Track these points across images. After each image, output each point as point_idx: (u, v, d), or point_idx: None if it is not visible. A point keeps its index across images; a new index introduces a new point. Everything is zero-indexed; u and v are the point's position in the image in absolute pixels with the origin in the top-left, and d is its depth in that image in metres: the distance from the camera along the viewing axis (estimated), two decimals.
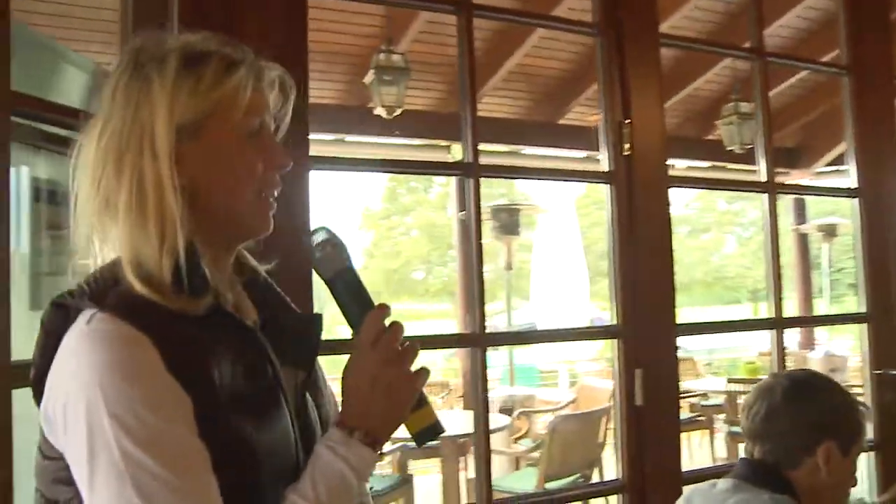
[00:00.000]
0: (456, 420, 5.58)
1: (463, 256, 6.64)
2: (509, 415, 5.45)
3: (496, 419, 5.26)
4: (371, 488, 3.86)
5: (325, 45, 5.66)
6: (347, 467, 0.90)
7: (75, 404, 0.82)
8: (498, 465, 5.33)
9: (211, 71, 0.93)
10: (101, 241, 0.93)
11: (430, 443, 0.98)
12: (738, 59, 4.16)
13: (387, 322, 0.95)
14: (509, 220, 5.75)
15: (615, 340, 2.43)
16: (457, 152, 6.58)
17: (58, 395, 0.85)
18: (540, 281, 8.51)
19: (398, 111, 4.55)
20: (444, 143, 6.65)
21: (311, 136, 6.72)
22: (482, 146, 6.82)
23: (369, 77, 4.55)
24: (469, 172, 2.30)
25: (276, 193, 0.99)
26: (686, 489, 1.67)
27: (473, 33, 2.33)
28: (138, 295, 0.87)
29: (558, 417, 4.33)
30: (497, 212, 5.83)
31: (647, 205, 2.46)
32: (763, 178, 2.77)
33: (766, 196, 2.76)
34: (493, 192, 19.36)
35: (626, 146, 2.44)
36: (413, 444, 0.99)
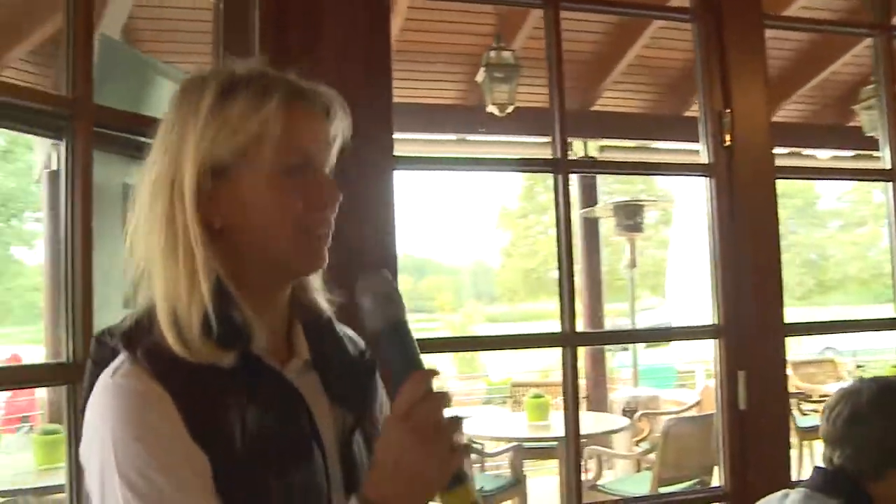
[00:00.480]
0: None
1: (584, 254, 6.54)
2: (631, 416, 5.32)
3: (615, 421, 5.15)
4: (481, 488, 3.87)
5: (444, 46, 5.73)
6: None
7: (92, 457, 0.84)
8: (620, 467, 5.22)
9: (239, 108, 0.89)
10: (147, 278, 0.92)
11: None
12: (861, 36, 3.87)
13: (433, 387, 0.84)
14: (632, 217, 5.60)
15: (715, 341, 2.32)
16: (578, 149, 6.49)
17: (84, 439, 0.88)
18: (675, 278, 8.24)
19: (510, 108, 4.52)
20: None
21: (434, 137, 6.77)
22: (606, 142, 6.67)
23: (481, 75, 4.55)
24: (557, 168, 2.26)
25: (327, 231, 0.94)
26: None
27: (561, 25, 2.30)
28: (167, 347, 0.86)
29: (672, 420, 4.19)
30: (618, 208, 5.69)
31: (751, 198, 2.34)
32: (888, 164, 2.57)
33: (890, 185, 2.57)
34: (632, 188, 18.93)
35: (727, 137, 2.32)
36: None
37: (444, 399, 0.83)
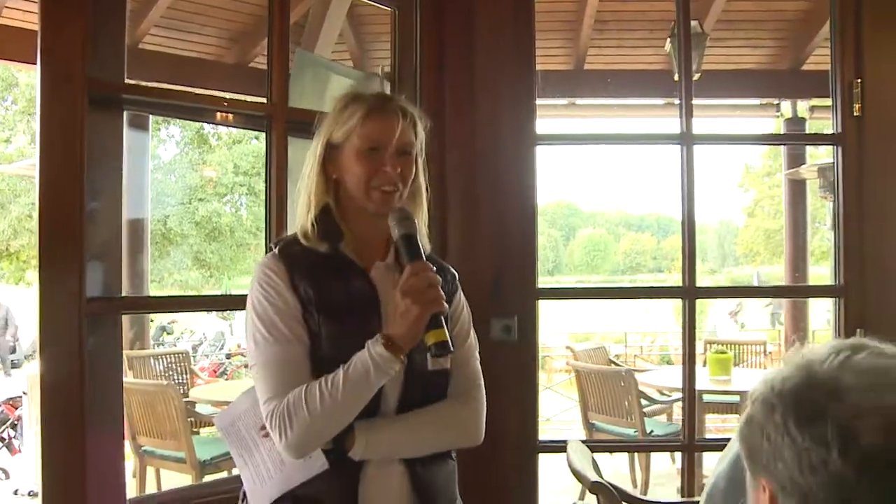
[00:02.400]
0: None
1: (788, 216, 6.42)
2: None
3: None
4: (651, 432, 4.24)
5: (642, 14, 5.88)
6: (368, 356, 1.36)
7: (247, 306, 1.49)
8: None
9: (348, 113, 1.47)
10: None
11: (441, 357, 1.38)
12: None
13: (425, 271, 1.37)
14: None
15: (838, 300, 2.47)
16: (786, 109, 6.37)
17: None
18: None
19: (696, 76, 4.63)
20: (774, 100, 6.51)
21: (645, 102, 6.89)
22: (817, 101, 6.46)
23: (668, 45, 4.70)
24: (684, 141, 2.49)
25: (389, 187, 1.46)
26: None
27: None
28: (295, 240, 1.49)
29: None
30: (824, 170, 5.56)
31: (881, 169, 2.42)
32: None
33: None
34: None
35: (857, 106, 2.43)
36: None
37: (426, 278, 1.35)
